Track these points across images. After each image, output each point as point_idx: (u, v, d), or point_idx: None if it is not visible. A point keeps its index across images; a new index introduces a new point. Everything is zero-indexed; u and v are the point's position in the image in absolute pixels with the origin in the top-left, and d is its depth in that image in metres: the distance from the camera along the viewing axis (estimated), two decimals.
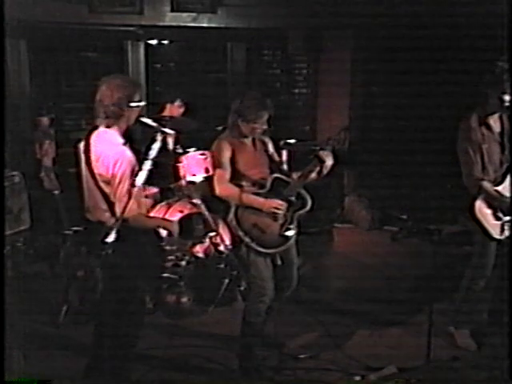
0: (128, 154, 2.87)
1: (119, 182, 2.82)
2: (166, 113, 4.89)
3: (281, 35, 6.52)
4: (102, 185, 2.92)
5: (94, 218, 3.04)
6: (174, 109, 4.89)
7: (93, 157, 2.94)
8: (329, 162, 3.35)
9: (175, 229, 3.14)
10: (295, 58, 6.84)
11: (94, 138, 2.99)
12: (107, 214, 2.94)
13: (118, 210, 2.81)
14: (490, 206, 3.60)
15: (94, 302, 3.09)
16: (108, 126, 2.94)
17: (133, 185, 2.75)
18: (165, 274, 4.26)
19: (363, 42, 6.51)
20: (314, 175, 3.39)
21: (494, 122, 3.63)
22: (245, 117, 3.34)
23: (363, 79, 6.77)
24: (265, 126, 3.40)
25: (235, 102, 3.41)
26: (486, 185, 3.57)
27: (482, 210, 3.59)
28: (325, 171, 3.38)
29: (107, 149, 2.90)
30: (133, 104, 2.93)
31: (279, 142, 3.82)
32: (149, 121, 2.96)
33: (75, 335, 3.72)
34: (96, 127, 3.00)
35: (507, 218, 3.60)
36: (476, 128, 3.57)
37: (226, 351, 3.73)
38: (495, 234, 3.61)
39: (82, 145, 3.05)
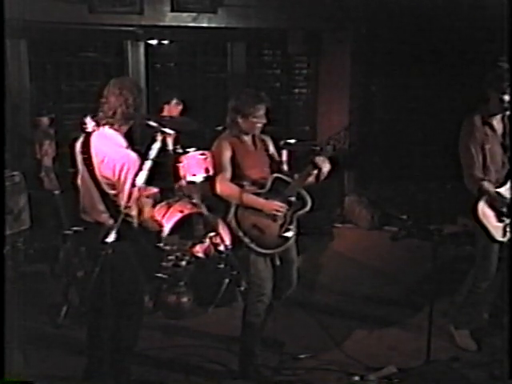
0: (133, 156, 2.88)
1: (128, 185, 2.83)
2: (165, 113, 4.89)
3: (281, 35, 6.53)
4: (105, 186, 2.92)
5: (90, 219, 3.04)
6: (172, 108, 4.89)
7: (95, 158, 2.94)
8: (325, 168, 3.34)
9: None
10: (295, 58, 6.85)
11: (95, 138, 2.99)
12: (105, 215, 2.94)
13: (133, 212, 2.85)
14: (492, 207, 3.58)
15: (93, 302, 3.09)
16: (114, 128, 2.94)
17: (133, 185, 2.76)
18: (162, 275, 4.26)
19: (363, 42, 6.52)
20: (311, 179, 3.39)
21: (497, 122, 3.61)
22: (243, 112, 3.34)
23: (363, 79, 6.78)
24: (264, 120, 3.40)
25: (232, 101, 3.42)
26: (487, 185, 3.55)
27: (485, 211, 3.57)
28: (322, 177, 3.37)
29: (112, 151, 2.90)
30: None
31: (279, 142, 3.81)
32: (149, 121, 2.97)
33: (75, 335, 3.71)
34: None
35: (509, 219, 3.59)
36: (479, 127, 3.55)
37: (226, 351, 3.73)
38: (498, 236, 3.60)
39: (79, 144, 3.05)
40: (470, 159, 3.55)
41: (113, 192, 2.91)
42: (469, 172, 3.57)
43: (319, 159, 3.33)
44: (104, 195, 2.93)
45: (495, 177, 3.60)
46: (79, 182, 3.11)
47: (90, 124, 3.19)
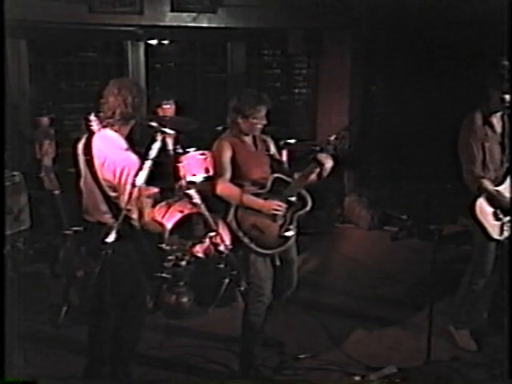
0: (133, 158, 2.88)
1: (128, 187, 2.82)
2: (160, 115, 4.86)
3: (281, 35, 6.53)
4: (107, 188, 2.92)
5: (92, 219, 3.04)
6: (165, 110, 4.85)
7: (96, 159, 2.94)
8: (328, 164, 3.32)
9: None
10: (295, 58, 6.85)
11: (97, 139, 2.98)
12: (107, 216, 2.94)
13: (134, 215, 2.86)
14: (490, 205, 3.59)
15: (94, 303, 3.09)
16: (116, 129, 2.94)
17: (133, 185, 2.76)
18: (164, 274, 4.25)
19: (363, 42, 6.52)
20: (313, 177, 3.38)
21: (497, 121, 3.62)
22: (243, 113, 3.34)
23: (363, 79, 6.78)
24: (264, 121, 3.40)
25: (232, 100, 3.41)
26: (487, 183, 3.56)
27: (483, 209, 3.58)
28: (324, 174, 3.35)
29: (112, 154, 2.90)
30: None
31: (279, 142, 3.81)
32: (151, 122, 2.97)
33: (75, 335, 3.71)
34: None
35: (507, 218, 3.60)
36: (480, 126, 3.56)
37: (226, 351, 3.73)
38: (495, 234, 3.61)
39: (81, 145, 3.05)
40: (471, 156, 3.55)
41: (114, 194, 2.91)
42: (469, 169, 3.57)
43: (322, 156, 3.31)
44: (106, 196, 2.93)
45: (494, 175, 3.61)
46: (82, 183, 3.11)
47: (94, 122, 3.18)
